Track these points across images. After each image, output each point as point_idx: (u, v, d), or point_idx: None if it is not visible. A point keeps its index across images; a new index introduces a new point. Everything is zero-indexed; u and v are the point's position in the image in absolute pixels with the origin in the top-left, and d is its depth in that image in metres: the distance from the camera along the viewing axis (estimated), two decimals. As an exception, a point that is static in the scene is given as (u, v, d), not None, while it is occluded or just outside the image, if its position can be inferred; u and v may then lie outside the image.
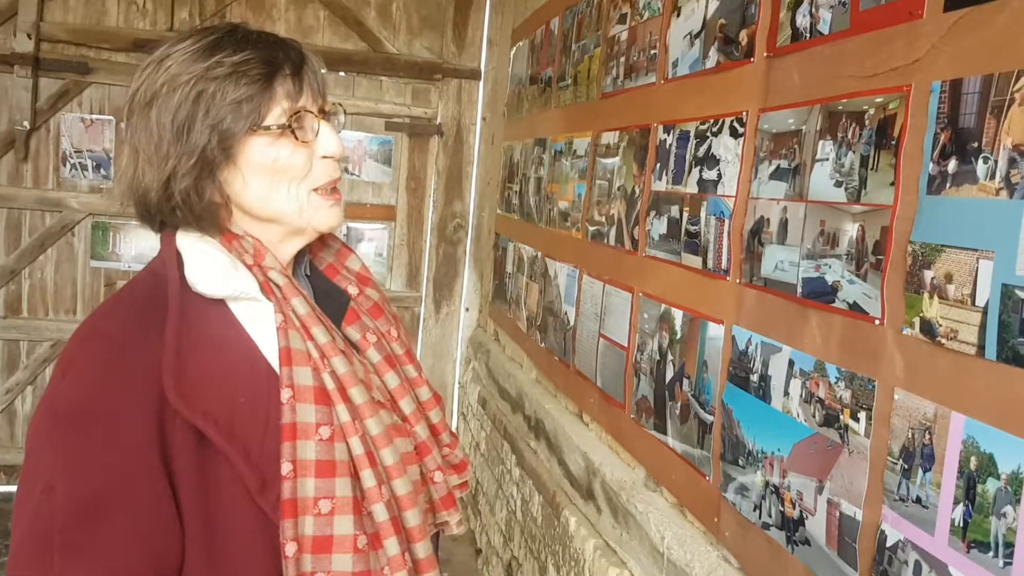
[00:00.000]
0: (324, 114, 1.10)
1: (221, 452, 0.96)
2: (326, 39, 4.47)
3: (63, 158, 4.19)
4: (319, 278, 1.20)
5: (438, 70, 4.58)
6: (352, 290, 1.21)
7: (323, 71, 1.10)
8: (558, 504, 2.73)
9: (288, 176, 1.05)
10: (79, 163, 4.21)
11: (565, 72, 3.09)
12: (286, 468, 0.98)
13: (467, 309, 4.77)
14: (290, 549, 0.97)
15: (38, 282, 4.25)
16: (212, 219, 1.05)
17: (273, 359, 1.02)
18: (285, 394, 1.00)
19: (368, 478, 1.02)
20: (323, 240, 1.22)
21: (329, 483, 1.00)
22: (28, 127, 4.07)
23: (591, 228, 2.68)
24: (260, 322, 1.03)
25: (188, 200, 1.02)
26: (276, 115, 1.03)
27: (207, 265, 1.02)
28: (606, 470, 2.40)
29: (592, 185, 2.70)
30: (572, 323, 2.82)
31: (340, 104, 1.14)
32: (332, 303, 1.15)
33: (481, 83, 4.66)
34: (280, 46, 1.06)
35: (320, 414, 1.01)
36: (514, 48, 4.01)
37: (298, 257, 1.16)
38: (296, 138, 1.04)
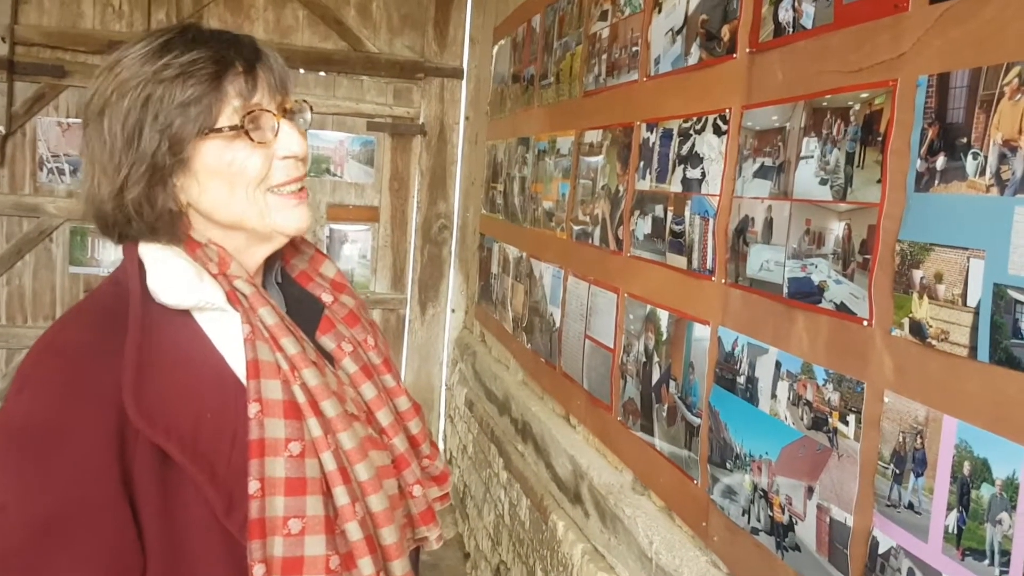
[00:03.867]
0: (287, 112, 1.05)
1: (185, 471, 0.92)
2: (305, 39, 4.42)
3: (40, 163, 4.13)
4: (292, 286, 1.16)
5: (420, 69, 4.53)
6: (327, 297, 1.16)
7: (283, 67, 1.04)
8: (546, 508, 2.69)
9: (244, 179, 1.00)
10: (56, 168, 4.15)
11: (547, 70, 3.05)
12: (253, 487, 0.94)
13: (453, 310, 4.74)
14: (258, 571, 0.93)
15: (16, 289, 4.19)
16: (168, 228, 1.01)
17: (240, 372, 0.98)
18: (252, 408, 0.96)
19: (341, 495, 0.99)
20: (295, 246, 1.18)
21: (299, 501, 0.95)
22: (3, 132, 4.01)
23: (575, 228, 2.64)
24: (226, 333, 0.99)
25: (140, 210, 0.98)
26: (228, 115, 0.98)
27: (170, 275, 0.98)
28: (594, 473, 2.36)
29: (576, 184, 2.67)
30: (558, 324, 2.79)
31: (306, 101, 1.08)
32: (305, 311, 1.11)
33: (464, 82, 4.62)
34: (232, 43, 1.00)
35: (290, 429, 0.97)
36: (496, 46, 3.97)
37: (269, 264, 1.12)
38: (251, 139, 0.99)
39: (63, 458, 0.89)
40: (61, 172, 4.16)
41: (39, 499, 0.89)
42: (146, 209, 0.98)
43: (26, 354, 0.97)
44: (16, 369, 0.97)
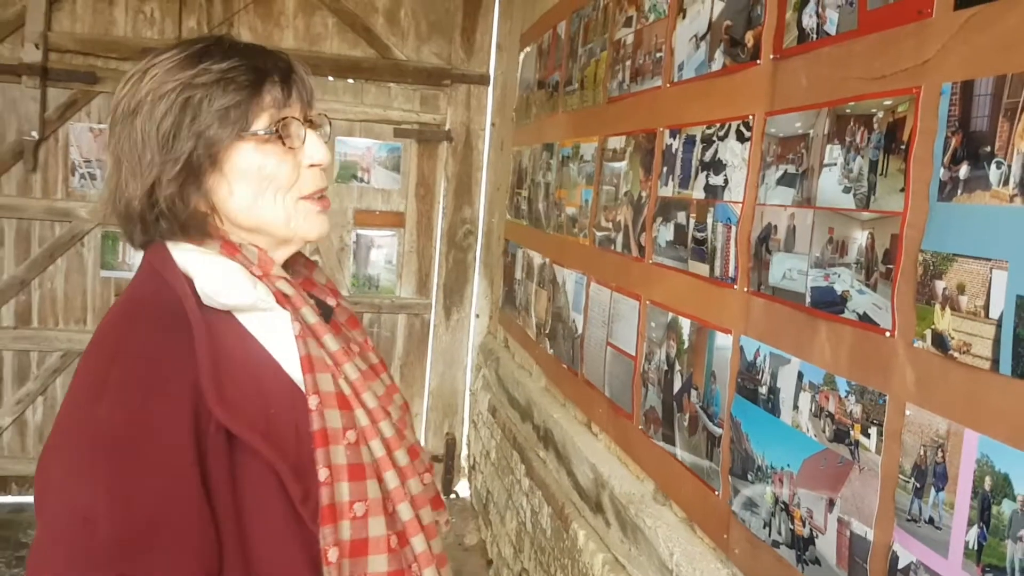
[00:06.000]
0: (310, 124, 1.09)
1: (264, 463, 0.96)
2: (334, 46, 4.45)
3: (72, 168, 4.19)
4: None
5: (447, 76, 4.54)
6: (331, 302, 1.21)
7: (310, 80, 1.09)
8: (567, 516, 2.68)
9: (275, 184, 1.05)
10: (88, 173, 4.21)
11: (572, 76, 3.05)
12: (323, 474, 0.99)
13: (477, 316, 4.74)
14: (333, 555, 0.98)
15: (48, 292, 4.25)
16: (198, 227, 1.04)
17: (289, 368, 1.03)
18: (313, 401, 1.01)
19: (391, 479, 1.06)
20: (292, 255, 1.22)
21: (361, 486, 1.02)
22: (37, 137, 4.07)
23: (598, 234, 2.63)
24: (274, 332, 1.03)
25: (173, 208, 1.01)
26: (263, 122, 1.03)
27: (225, 276, 1.01)
28: (615, 482, 2.35)
29: (599, 191, 2.66)
30: (580, 331, 2.78)
31: (326, 115, 1.13)
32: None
33: (490, 88, 4.62)
34: (268, 55, 1.06)
35: (345, 419, 1.03)
36: (523, 53, 3.98)
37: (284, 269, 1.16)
38: (284, 144, 1.04)
39: (150, 464, 0.91)
40: (93, 177, 4.22)
41: (130, 508, 0.90)
42: (179, 207, 1.01)
43: (88, 360, 0.98)
44: (75, 377, 0.98)
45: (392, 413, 1.14)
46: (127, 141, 1.02)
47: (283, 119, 1.04)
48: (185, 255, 1.03)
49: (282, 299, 1.05)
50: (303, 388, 1.02)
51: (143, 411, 0.93)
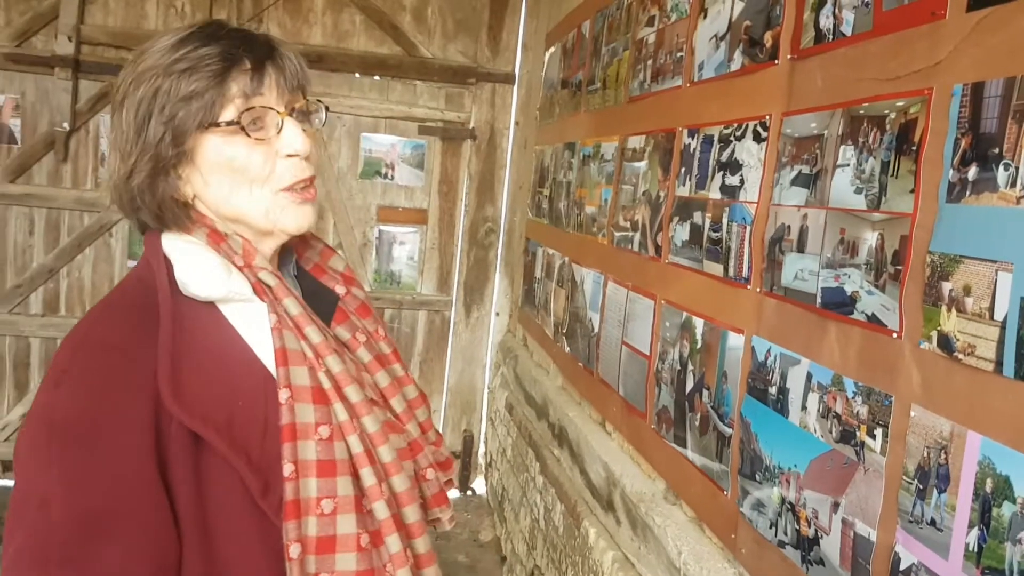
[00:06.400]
0: (299, 112, 1.07)
1: (221, 457, 0.95)
2: (362, 43, 4.49)
3: (102, 159, 4.26)
4: (306, 278, 1.19)
5: (472, 74, 4.56)
6: (339, 290, 1.20)
7: (298, 66, 1.06)
8: (579, 514, 2.69)
9: (247, 177, 1.03)
10: (118, 164, 4.27)
11: (594, 76, 3.05)
12: (288, 469, 0.97)
13: (497, 314, 4.75)
14: (294, 551, 0.96)
15: (76, 281, 4.33)
16: (174, 217, 1.04)
17: (267, 360, 1.01)
18: (283, 394, 0.99)
19: (368, 476, 1.02)
20: (306, 240, 1.21)
21: (331, 482, 0.99)
22: (68, 128, 4.15)
23: (616, 234, 2.64)
24: (253, 323, 1.02)
25: (143, 196, 1.02)
26: (229, 113, 1.00)
27: (199, 267, 1.00)
28: (626, 481, 2.35)
29: (618, 190, 2.66)
30: (596, 330, 2.78)
31: (320, 101, 1.10)
32: (320, 303, 1.14)
33: (515, 87, 4.64)
34: (245, 41, 1.02)
35: (319, 414, 1.01)
36: (548, 52, 3.99)
37: (284, 257, 1.15)
38: (247, 135, 1.01)
39: (104, 451, 0.91)
40: (122, 168, 4.28)
41: (84, 494, 0.90)
42: (147, 196, 1.02)
43: (59, 349, 0.99)
44: (49, 364, 0.99)
45: (396, 405, 1.14)
46: (117, 129, 1.02)
47: (248, 109, 1.00)
48: (170, 243, 1.03)
49: (262, 290, 1.04)
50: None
51: (99, 401, 0.93)
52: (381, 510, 1.02)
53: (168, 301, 0.98)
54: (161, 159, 1.00)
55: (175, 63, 0.98)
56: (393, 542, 1.02)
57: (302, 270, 1.20)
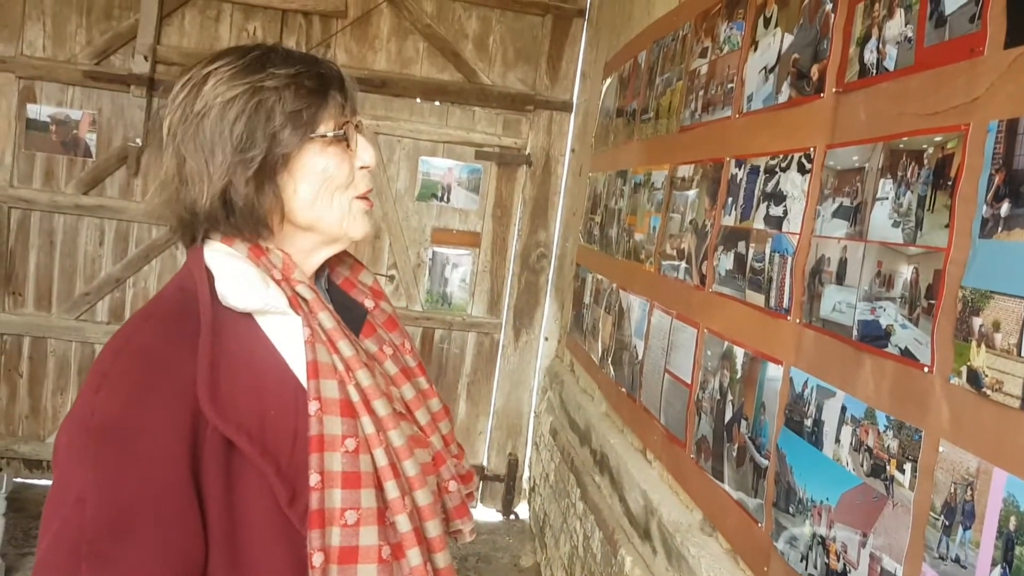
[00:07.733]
0: (357, 129, 1.15)
1: (252, 464, 0.98)
2: (424, 69, 4.59)
3: (170, 175, 4.42)
4: (337, 292, 1.23)
5: (530, 101, 4.63)
6: (368, 303, 1.24)
7: (357, 89, 1.15)
8: (616, 542, 2.68)
9: (335, 184, 1.09)
10: (186, 180, 4.43)
11: (648, 105, 3.08)
12: (314, 479, 0.99)
13: (546, 339, 4.77)
14: (317, 559, 0.98)
15: (141, 291, 4.49)
16: (255, 223, 1.07)
17: (300, 372, 1.04)
18: (312, 406, 1.02)
19: (392, 489, 1.04)
20: (338, 255, 1.25)
21: (355, 494, 1.01)
22: (141, 144, 4.32)
23: (664, 261, 2.65)
24: (287, 335, 1.05)
25: (250, 206, 1.05)
26: (327, 125, 1.08)
27: (238, 279, 1.04)
28: (664, 510, 2.34)
29: (667, 218, 2.68)
30: (641, 357, 2.79)
31: (362, 120, 1.17)
32: (350, 316, 1.17)
33: (572, 115, 4.69)
34: (322, 63, 1.11)
35: (346, 426, 1.03)
36: (606, 82, 4.03)
37: (317, 273, 1.19)
38: (348, 146, 1.10)
39: (139, 454, 0.95)
40: (190, 184, 4.43)
41: (116, 493, 0.94)
42: (256, 206, 1.05)
43: (100, 354, 1.03)
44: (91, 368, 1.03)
45: (420, 418, 1.16)
46: (192, 142, 1.04)
47: (346, 123, 1.10)
48: (213, 256, 1.07)
49: (297, 303, 1.08)
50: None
51: (135, 404, 0.96)
52: (404, 523, 1.04)
53: (209, 311, 1.02)
54: (269, 169, 1.05)
55: (267, 79, 1.04)
56: (414, 555, 1.04)
57: (332, 284, 1.24)
